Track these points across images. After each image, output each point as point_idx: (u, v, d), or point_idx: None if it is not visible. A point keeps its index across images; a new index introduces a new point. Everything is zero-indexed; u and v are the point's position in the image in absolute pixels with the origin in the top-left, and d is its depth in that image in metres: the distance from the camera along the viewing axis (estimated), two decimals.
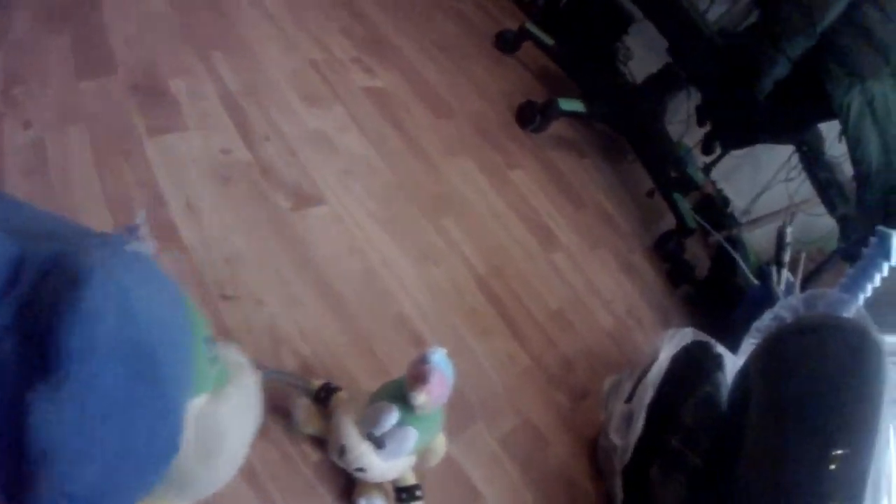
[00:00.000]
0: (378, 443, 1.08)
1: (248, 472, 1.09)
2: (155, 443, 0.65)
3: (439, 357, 1.06)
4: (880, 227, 1.77)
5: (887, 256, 1.75)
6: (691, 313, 2.59)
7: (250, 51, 2.02)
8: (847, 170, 2.30)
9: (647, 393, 1.54)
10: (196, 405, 0.77)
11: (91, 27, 1.72)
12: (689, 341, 1.71)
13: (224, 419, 0.82)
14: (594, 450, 1.68)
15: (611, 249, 2.51)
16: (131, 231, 0.70)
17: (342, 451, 1.09)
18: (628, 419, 1.55)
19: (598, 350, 2.00)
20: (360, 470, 1.10)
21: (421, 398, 1.03)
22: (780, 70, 2.15)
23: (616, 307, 2.24)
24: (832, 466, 1.20)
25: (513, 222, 2.18)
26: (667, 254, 2.75)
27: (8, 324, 0.52)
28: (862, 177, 2.06)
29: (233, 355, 0.92)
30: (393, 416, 1.06)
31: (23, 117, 1.39)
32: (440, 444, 1.18)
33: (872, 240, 1.79)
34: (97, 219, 1.29)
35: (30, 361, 0.52)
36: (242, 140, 1.71)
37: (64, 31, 1.65)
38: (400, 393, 1.06)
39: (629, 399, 1.61)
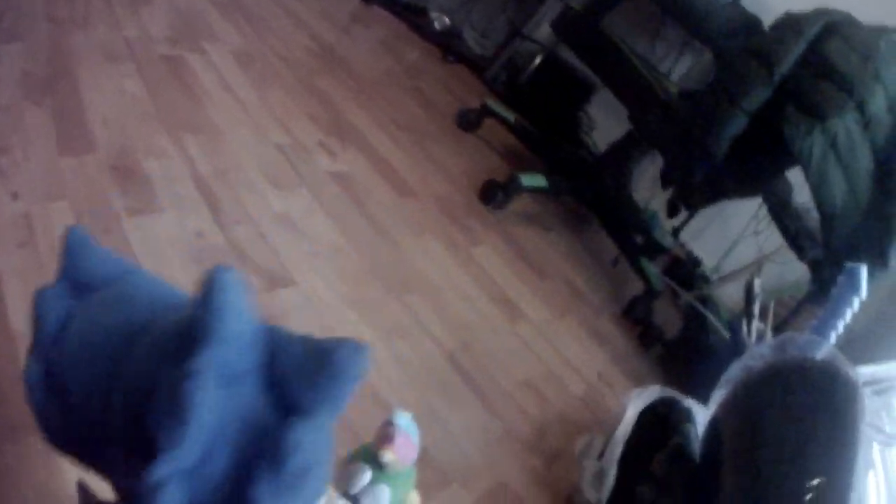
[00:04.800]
0: (353, 500, 1.13)
1: None
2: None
3: (403, 420, 1.14)
4: (849, 263, 1.74)
5: (857, 291, 1.71)
6: (664, 373, 2.59)
7: (220, 134, 2.07)
8: (816, 214, 2.23)
9: (617, 448, 1.58)
10: None
11: (70, 103, 1.77)
12: (655, 398, 1.73)
13: None
14: None
15: (578, 318, 2.54)
16: None
17: None
18: (600, 475, 1.59)
19: (570, 414, 2.02)
20: None
21: (388, 456, 1.10)
22: (736, 127, 2.15)
23: (586, 373, 2.27)
24: (808, 496, 1.21)
25: (478, 298, 2.22)
26: (637, 318, 2.77)
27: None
28: (827, 217, 2.05)
29: None
30: (366, 476, 1.12)
31: (10, 188, 1.43)
32: (414, 499, 1.23)
33: (841, 278, 1.75)
34: None
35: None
36: (215, 223, 1.75)
37: (44, 103, 1.70)
38: (371, 454, 1.12)
39: (601, 456, 1.64)
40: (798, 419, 1.33)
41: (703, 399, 1.72)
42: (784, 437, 1.31)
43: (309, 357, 0.65)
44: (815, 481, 1.22)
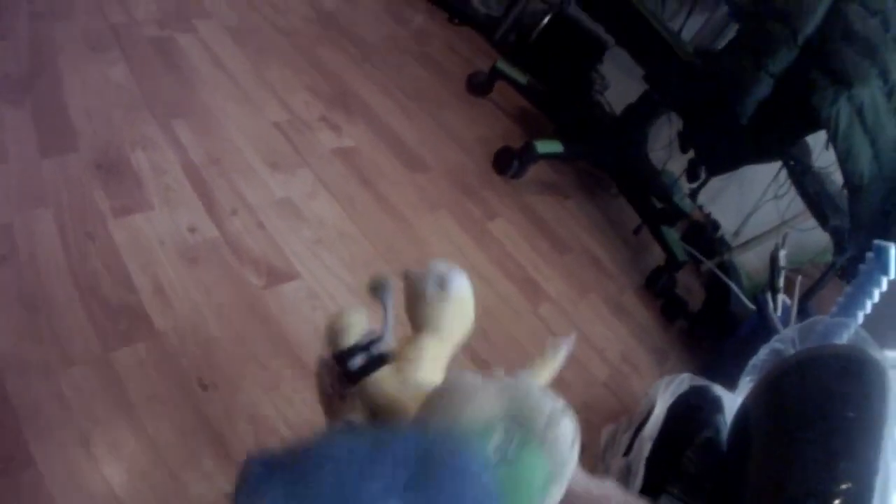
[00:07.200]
0: None
1: None
2: None
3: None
4: (877, 242, 1.69)
5: (885, 271, 1.67)
6: (688, 348, 2.52)
7: (213, 116, 1.99)
8: (836, 179, 2.27)
9: (645, 446, 1.50)
10: None
11: (51, 99, 1.71)
12: (686, 388, 1.66)
13: None
14: None
15: (600, 294, 2.45)
16: None
17: None
18: (626, 473, 1.52)
19: (593, 402, 1.94)
20: None
21: None
22: (763, 89, 2.08)
23: (609, 354, 2.17)
24: (837, 501, 1.16)
25: (496, 279, 2.12)
26: (658, 290, 2.68)
27: None
28: (854, 189, 1.99)
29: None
30: None
31: None
32: None
33: (869, 255, 1.71)
34: (67, 305, 1.29)
35: None
36: (209, 215, 1.67)
37: (24, 102, 1.64)
38: None
39: (627, 452, 1.58)
40: (829, 413, 1.29)
41: (728, 378, 1.73)
42: (814, 434, 1.27)
43: None
44: (844, 486, 1.18)
